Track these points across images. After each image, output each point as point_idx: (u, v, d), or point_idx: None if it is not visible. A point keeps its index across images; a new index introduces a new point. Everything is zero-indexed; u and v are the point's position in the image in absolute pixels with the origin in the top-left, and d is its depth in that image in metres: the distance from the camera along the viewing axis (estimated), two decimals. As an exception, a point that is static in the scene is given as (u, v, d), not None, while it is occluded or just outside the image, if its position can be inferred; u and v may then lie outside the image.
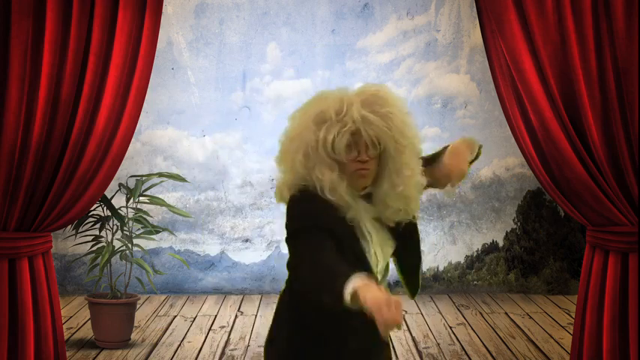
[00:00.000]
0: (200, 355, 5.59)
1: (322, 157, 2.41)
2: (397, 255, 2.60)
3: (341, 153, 2.41)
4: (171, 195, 7.41)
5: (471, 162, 2.70)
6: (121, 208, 5.77)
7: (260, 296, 7.45)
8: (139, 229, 5.79)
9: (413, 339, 6.01)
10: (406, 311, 6.79)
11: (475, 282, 7.71)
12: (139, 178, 5.88)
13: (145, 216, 5.80)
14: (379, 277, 2.54)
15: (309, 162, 2.43)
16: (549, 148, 3.88)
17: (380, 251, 2.53)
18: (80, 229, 5.70)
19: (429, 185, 2.62)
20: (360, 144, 2.42)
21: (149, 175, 5.99)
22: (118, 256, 5.79)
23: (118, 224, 5.73)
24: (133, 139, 4.09)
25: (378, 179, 2.48)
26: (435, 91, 7.63)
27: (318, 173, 2.42)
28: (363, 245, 2.48)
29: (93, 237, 5.78)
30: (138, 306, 6.37)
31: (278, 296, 2.64)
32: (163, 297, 7.38)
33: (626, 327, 3.85)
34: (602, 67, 3.81)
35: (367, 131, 2.39)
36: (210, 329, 6.25)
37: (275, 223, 7.54)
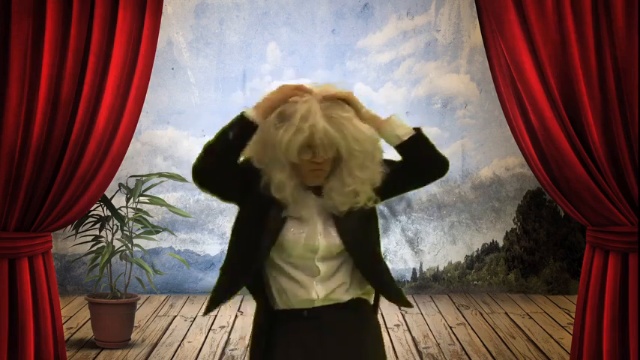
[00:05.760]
0: (200, 355, 5.59)
1: (277, 156, 2.50)
2: (351, 251, 2.64)
3: (294, 156, 2.49)
4: (171, 195, 7.40)
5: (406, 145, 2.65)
6: (121, 208, 5.77)
7: (260, 296, 7.44)
8: (139, 229, 5.79)
9: (413, 339, 6.01)
10: (406, 311, 6.80)
11: (475, 282, 7.71)
12: (139, 178, 5.88)
13: (145, 216, 5.79)
14: (319, 264, 2.60)
15: (265, 156, 2.53)
16: (549, 148, 3.88)
17: (323, 240, 2.59)
18: (80, 229, 5.70)
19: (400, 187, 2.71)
20: (315, 146, 2.49)
21: (149, 175, 5.98)
22: (118, 256, 5.79)
23: (118, 224, 5.73)
24: (133, 139, 4.09)
25: (331, 175, 2.57)
26: (435, 91, 7.63)
27: (270, 171, 2.53)
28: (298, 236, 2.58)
29: (93, 237, 5.78)
30: (138, 306, 6.37)
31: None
32: (163, 297, 7.38)
33: (626, 327, 3.85)
34: (602, 67, 3.81)
35: (322, 140, 2.48)
36: (210, 329, 6.25)
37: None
